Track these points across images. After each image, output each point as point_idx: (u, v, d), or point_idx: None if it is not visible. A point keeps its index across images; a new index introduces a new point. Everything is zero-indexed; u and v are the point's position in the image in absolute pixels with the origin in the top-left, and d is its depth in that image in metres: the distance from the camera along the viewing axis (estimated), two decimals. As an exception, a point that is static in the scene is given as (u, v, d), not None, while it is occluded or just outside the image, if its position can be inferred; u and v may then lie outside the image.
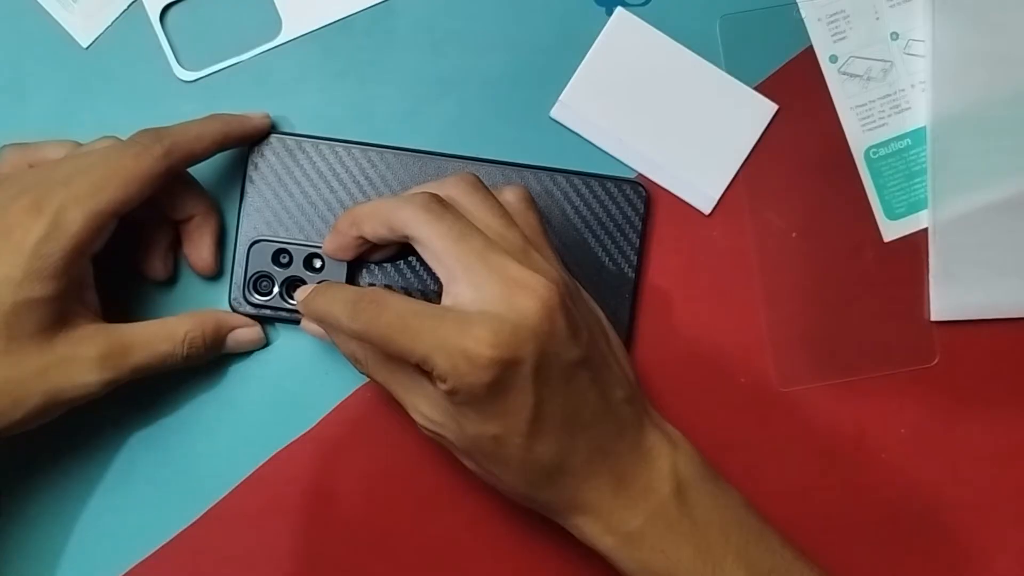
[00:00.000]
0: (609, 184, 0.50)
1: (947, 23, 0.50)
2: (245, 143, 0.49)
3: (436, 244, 0.41)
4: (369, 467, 0.50)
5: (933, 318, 0.51)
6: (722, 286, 0.51)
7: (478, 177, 0.44)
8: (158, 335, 0.46)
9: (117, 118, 0.50)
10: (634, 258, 0.50)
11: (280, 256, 0.49)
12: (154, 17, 0.50)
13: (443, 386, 0.40)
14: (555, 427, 0.41)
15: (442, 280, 0.42)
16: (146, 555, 0.50)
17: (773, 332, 0.51)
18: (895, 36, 0.51)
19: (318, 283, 0.47)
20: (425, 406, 0.42)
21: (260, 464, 0.50)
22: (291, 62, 0.51)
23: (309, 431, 0.50)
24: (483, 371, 0.39)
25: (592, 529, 0.43)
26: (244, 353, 0.50)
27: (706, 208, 0.51)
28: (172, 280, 0.50)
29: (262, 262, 0.49)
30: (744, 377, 0.51)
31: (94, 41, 0.51)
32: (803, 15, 0.51)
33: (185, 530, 0.50)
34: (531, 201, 0.45)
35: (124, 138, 0.46)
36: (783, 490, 0.50)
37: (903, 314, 0.51)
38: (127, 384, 0.45)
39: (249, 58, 0.51)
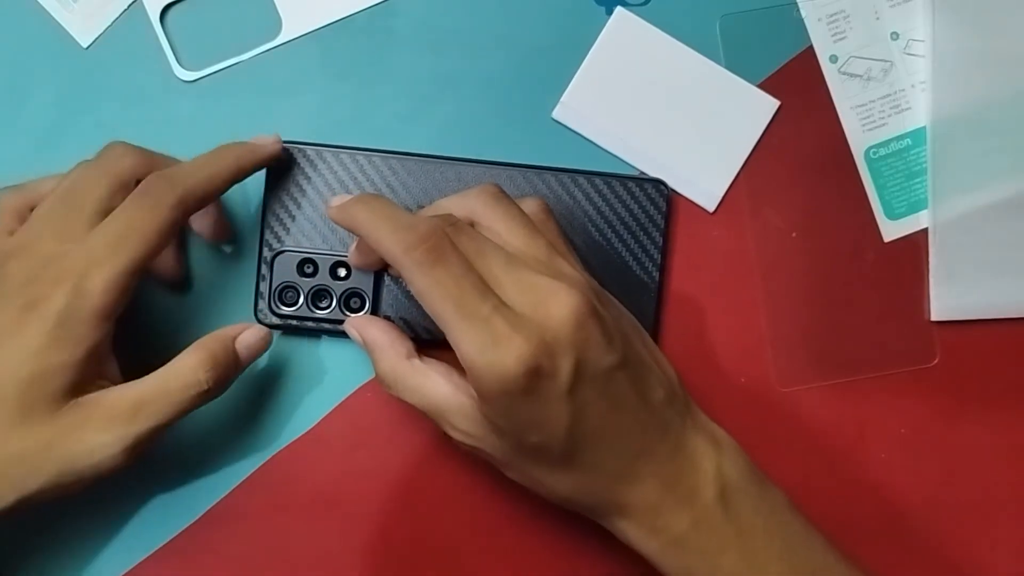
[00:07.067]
0: (631, 184, 0.50)
1: (947, 23, 0.50)
2: (259, 170, 0.48)
3: (437, 303, 0.40)
4: (369, 467, 0.50)
5: (933, 318, 0.51)
6: (722, 286, 0.51)
7: (500, 187, 0.44)
8: (167, 377, 0.44)
9: (117, 118, 0.50)
10: (658, 257, 0.50)
11: (305, 266, 0.49)
12: (154, 17, 0.50)
13: (477, 388, 0.40)
14: (595, 433, 0.41)
15: None
16: (146, 555, 0.50)
17: (773, 332, 0.51)
18: (895, 36, 0.51)
19: (359, 195, 0.44)
20: (462, 422, 0.42)
21: (260, 464, 0.50)
22: (291, 62, 0.51)
23: (309, 431, 0.50)
24: (519, 381, 0.39)
25: (636, 533, 0.42)
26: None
27: (710, 206, 0.51)
28: (184, 283, 0.50)
29: (287, 273, 0.49)
30: (744, 377, 0.51)
31: (94, 41, 0.51)
32: (803, 15, 0.51)
33: (185, 530, 0.50)
34: (550, 211, 0.45)
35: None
36: (783, 489, 0.50)
37: (903, 314, 0.51)
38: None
39: (249, 58, 0.51)
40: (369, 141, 0.50)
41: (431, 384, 0.43)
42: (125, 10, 0.51)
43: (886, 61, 0.51)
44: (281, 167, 0.49)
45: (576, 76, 0.51)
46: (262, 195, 0.49)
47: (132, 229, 0.42)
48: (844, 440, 0.51)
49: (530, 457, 0.41)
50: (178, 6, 0.51)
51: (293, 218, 0.49)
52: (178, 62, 0.51)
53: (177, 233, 0.44)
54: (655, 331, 0.50)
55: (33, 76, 0.51)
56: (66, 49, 0.51)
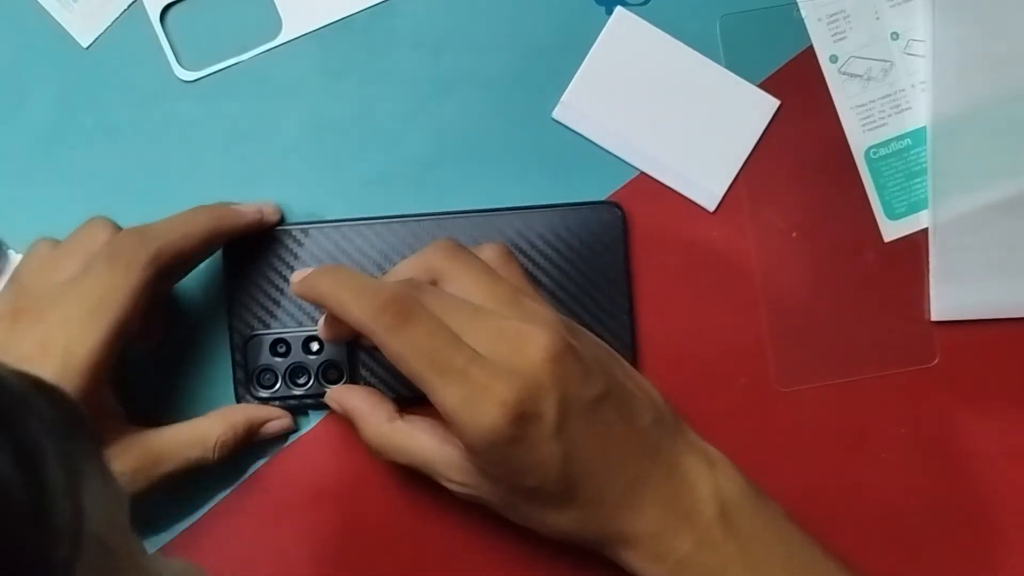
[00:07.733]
0: (584, 211, 0.49)
1: (947, 23, 0.50)
2: (241, 235, 0.47)
3: (413, 363, 0.40)
4: (369, 467, 0.50)
5: (933, 318, 0.51)
6: (722, 286, 0.51)
7: (455, 240, 0.44)
8: (189, 441, 0.46)
9: (117, 118, 0.50)
10: (624, 280, 0.49)
11: (277, 346, 0.49)
12: (154, 17, 0.50)
13: (464, 441, 0.40)
14: (589, 467, 0.41)
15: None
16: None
17: (773, 332, 0.51)
18: (895, 36, 0.51)
19: (316, 269, 0.44)
20: (455, 474, 0.43)
21: (260, 464, 0.50)
22: (291, 62, 0.51)
23: (309, 431, 0.50)
24: (506, 430, 0.39)
25: (641, 561, 0.42)
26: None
27: (710, 205, 0.51)
28: (164, 344, 0.49)
29: (261, 356, 0.49)
30: (744, 377, 0.51)
31: (94, 41, 0.51)
32: (803, 15, 0.51)
33: (185, 530, 0.50)
34: (510, 254, 0.45)
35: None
36: (783, 490, 0.49)
37: (903, 314, 0.51)
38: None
39: (249, 58, 0.51)
40: (369, 141, 0.50)
41: (417, 442, 0.43)
42: (125, 10, 0.51)
43: (886, 61, 0.51)
44: (235, 252, 0.49)
45: (576, 76, 0.51)
46: (223, 282, 0.49)
47: (108, 291, 0.42)
48: (844, 440, 0.51)
49: (528, 500, 0.41)
50: (178, 6, 0.51)
51: (257, 301, 0.49)
52: (178, 62, 0.51)
53: (156, 291, 0.44)
54: (634, 354, 0.49)
55: (33, 76, 0.51)
56: (66, 49, 0.51)
